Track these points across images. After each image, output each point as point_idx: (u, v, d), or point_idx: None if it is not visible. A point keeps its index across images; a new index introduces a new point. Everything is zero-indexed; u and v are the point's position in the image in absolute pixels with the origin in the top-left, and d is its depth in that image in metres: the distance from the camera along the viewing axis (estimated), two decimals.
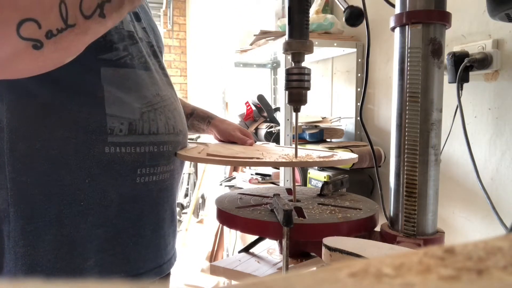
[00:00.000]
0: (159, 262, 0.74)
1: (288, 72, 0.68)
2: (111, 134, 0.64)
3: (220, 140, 0.98)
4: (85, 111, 0.63)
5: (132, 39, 0.70)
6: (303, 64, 0.69)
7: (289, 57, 0.70)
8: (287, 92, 0.70)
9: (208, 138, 1.04)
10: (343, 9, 0.68)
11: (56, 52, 0.49)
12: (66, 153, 0.62)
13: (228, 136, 0.95)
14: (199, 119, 0.98)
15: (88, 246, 0.64)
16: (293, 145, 0.75)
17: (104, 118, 0.64)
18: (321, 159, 0.71)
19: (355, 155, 0.77)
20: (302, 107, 0.71)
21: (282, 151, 0.84)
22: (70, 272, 0.63)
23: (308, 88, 0.69)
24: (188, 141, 0.84)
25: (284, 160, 0.69)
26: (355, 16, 0.65)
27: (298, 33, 0.67)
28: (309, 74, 0.69)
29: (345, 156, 0.77)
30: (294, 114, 0.72)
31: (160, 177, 0.71)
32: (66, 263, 0.63)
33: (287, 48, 0.68)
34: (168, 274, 0.82)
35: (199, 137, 3.04)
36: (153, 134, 0.69)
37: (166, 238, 0.76)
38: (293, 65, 0.69)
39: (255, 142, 0.97)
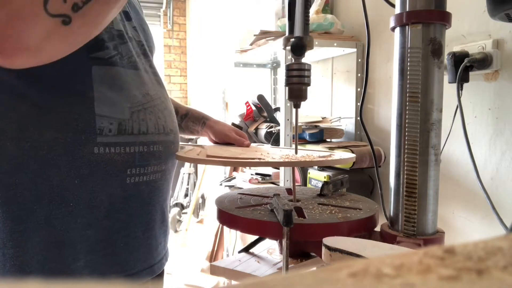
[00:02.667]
0: (150, 262, 0.74)
1: (288, 68, 0.68)
2: (100, 135, 0.63)
3: (215, 142, 0.97)
4: (74, 111, 0.62)
5: (122, 38, 0.69)
6: (303, 60, 0.69)
7: (289, 53, 0.69)
8: (287, 88, 0.69)
9: (204, 141, 1.03)
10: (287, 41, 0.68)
11: (84, 26, 0.49)
12: (55, 153, 0.61)
13: (223, 137, 0.94)
14: (194, 120, 0.97)
15: (78, 247, 0.64)
16: (292, 146, 0.75)
17: (93, 118, 0.63)
18: (322, 159, 0.71)
19: (353, 155, 0.77)
20: (302, 105, 0.71)
21: (280, 151, 0.84)
22: (60, 273, 0.62)
23: (308, 84, 0.69)
24: (183, 143, 0.83)
25: (285, 160, 0.69)
26: (300, 47, 0.65)
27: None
28: (309, 70, 0.68)
29: (345, 155, 0.77)
30: (294, 110, 0.72)
31: (150, 177, 0.70)
32: (55, 264, 0.63)
33: (287, 43, 0.68)
34: (161, 274, 0.82)
35: (198, 138, 3.03)
36: (143, 134, 0.68)
37: (157, 239, 0.76)
38: (293, 61, 0.68)
39: (251, 143, 0.96)
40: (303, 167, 1.45)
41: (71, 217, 0.63)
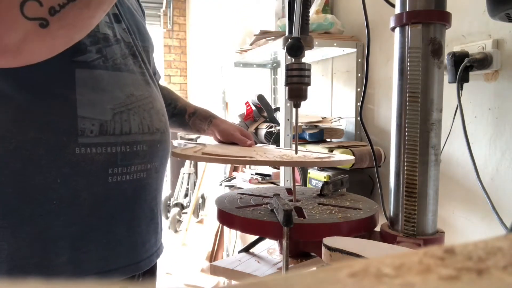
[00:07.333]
0: (135, 259, 0.74)
1: (288, 68, 0.68)
2: (81, 135, 0.65)
3: (220, 141, 0.98)
4: (57, 113, 0.65)
5: (107, 41, 0.71)
6: (303, 60, 0.69)
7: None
8: (287, 87, 0.69)
9: (208, 140, 1.04)
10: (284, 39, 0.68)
11: (62, 28, 0.51)
12: (37, 153, 0.64)
13: (228, 136, 0.95)
14: (201, 118, 0.98)
15: (61, 244, 0.65)
16: (293, 146, 0.75)
17: (76, 119, 0.65)
18: (317, 160, 0.70)
19: (351, 157, 0.77)
20: (302, 105, 0.71)
21: (280, 152, 0.84)
22: (44, 268, 0.65)
23: (308, 84, 0.69)
24: (187, 141, 0.84)
25: (283, 160, 0.69)
26: (296, 48, 0.65)
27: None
28: (309, 70, 0.69)
29: (342, 157, 0.77)
30: (294, 110, 0.72)
31: (134, 176, 0.71)
32: (39, 260, 0.65)
33: (286, 43, 0.68)
34: (153, 271, 0.84)
35: (199, 137, 3.04)
36: (125, 134, 0.69)
37: (144, 236, 0.76)
38: (293, 60, 0.69)
39: (256, 143, 0.97)
40: (302, 167, 1.45)
41: (54, 215, 0.65)
